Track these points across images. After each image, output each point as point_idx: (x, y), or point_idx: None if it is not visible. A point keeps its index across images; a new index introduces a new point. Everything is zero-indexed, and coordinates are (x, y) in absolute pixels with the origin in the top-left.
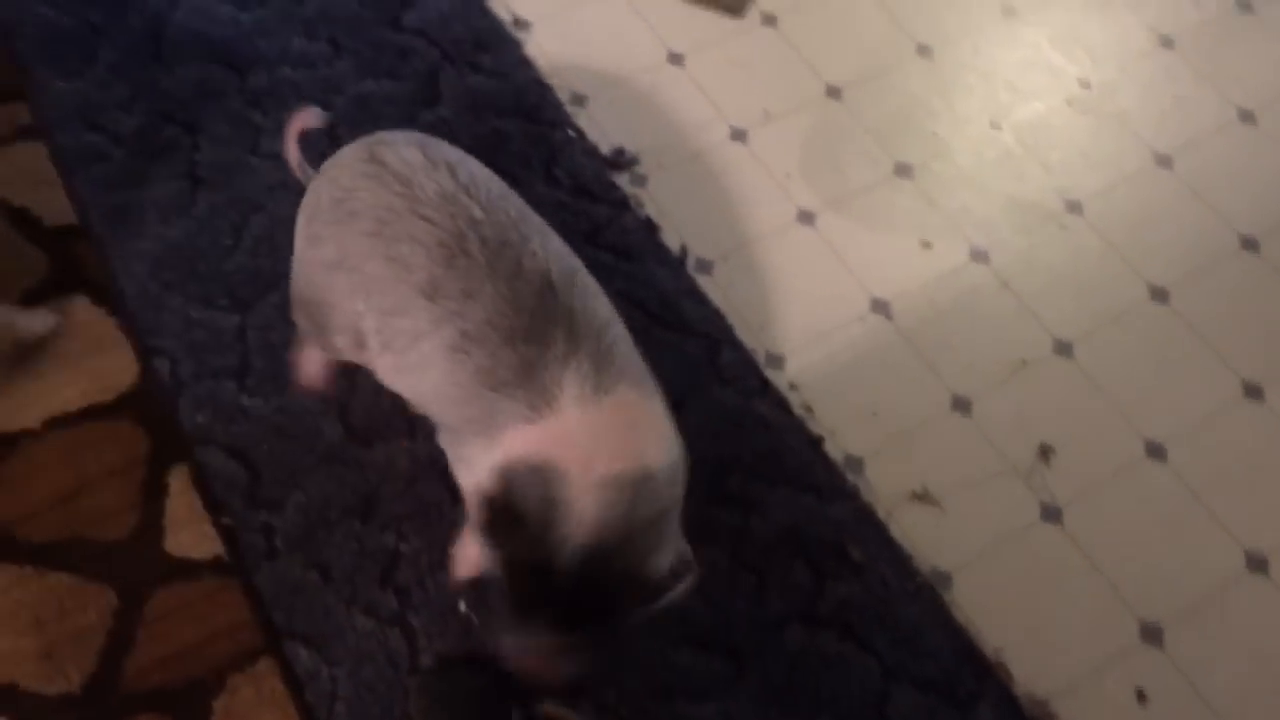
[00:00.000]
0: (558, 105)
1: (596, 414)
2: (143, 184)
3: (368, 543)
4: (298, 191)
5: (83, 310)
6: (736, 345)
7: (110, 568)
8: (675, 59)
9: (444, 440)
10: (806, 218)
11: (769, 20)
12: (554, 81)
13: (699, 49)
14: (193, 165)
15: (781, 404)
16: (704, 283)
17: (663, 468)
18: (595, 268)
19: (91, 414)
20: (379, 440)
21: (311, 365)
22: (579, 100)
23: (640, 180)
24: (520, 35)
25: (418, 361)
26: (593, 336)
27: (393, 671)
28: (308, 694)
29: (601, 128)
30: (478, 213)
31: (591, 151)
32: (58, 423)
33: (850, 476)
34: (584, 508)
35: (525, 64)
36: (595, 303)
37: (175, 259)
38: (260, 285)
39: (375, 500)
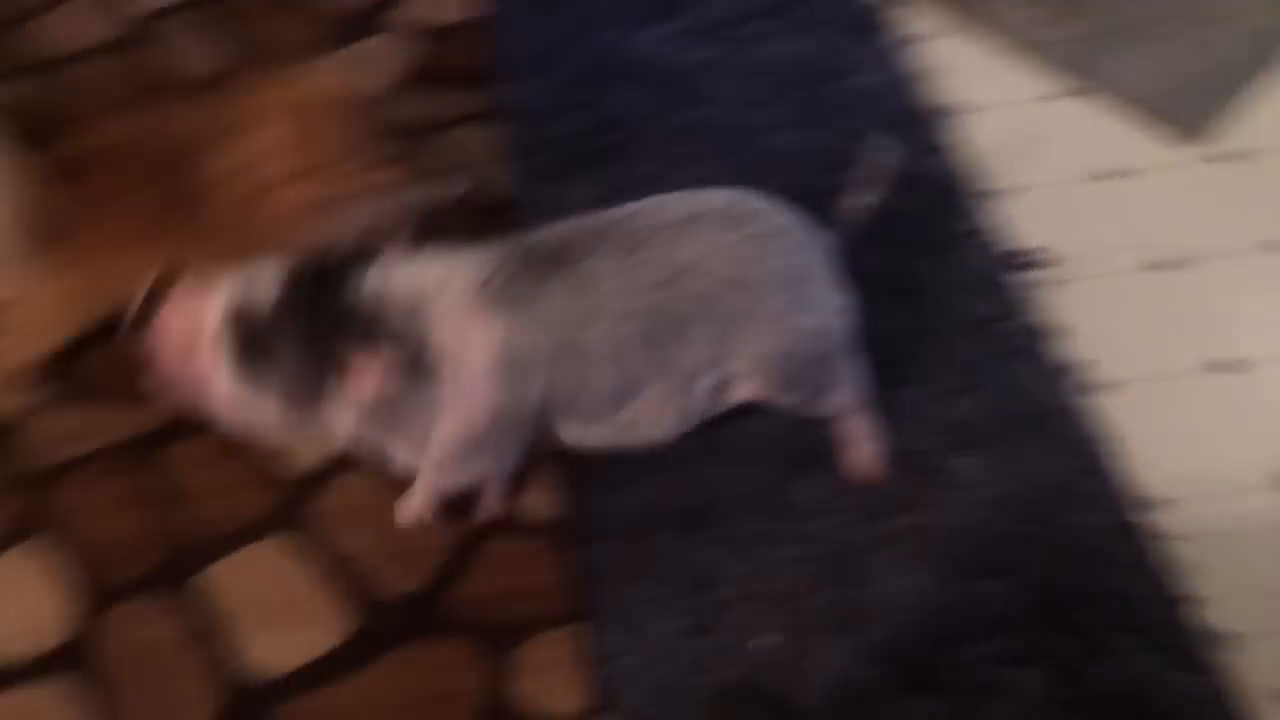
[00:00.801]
0: (979, 190)
1: None
2: (565, 184)
3: (695, 552)
4: None
5: None
6: (1109, 474)
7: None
8: (1110, 172)
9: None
10: (1236, 366)
11: (1243, 154)
12: (982, 166)
13: (1139, 168)
14: (613, 179)
15: (1148, 550)
16: (1089, 402)
17: None
18: (972, 363)
19: None
20: (734, 460)
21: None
22: (1002, 191)
23: (1046, 284)
24: (950, 120)
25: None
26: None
27: (684, 679)
28: (602, 673)
29: (1019, 223)
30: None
31: (996, 246)
32: None
33: (1210, 651)
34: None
35: (948, 148)
36: None
37: None
38: None
39: (709, 513)
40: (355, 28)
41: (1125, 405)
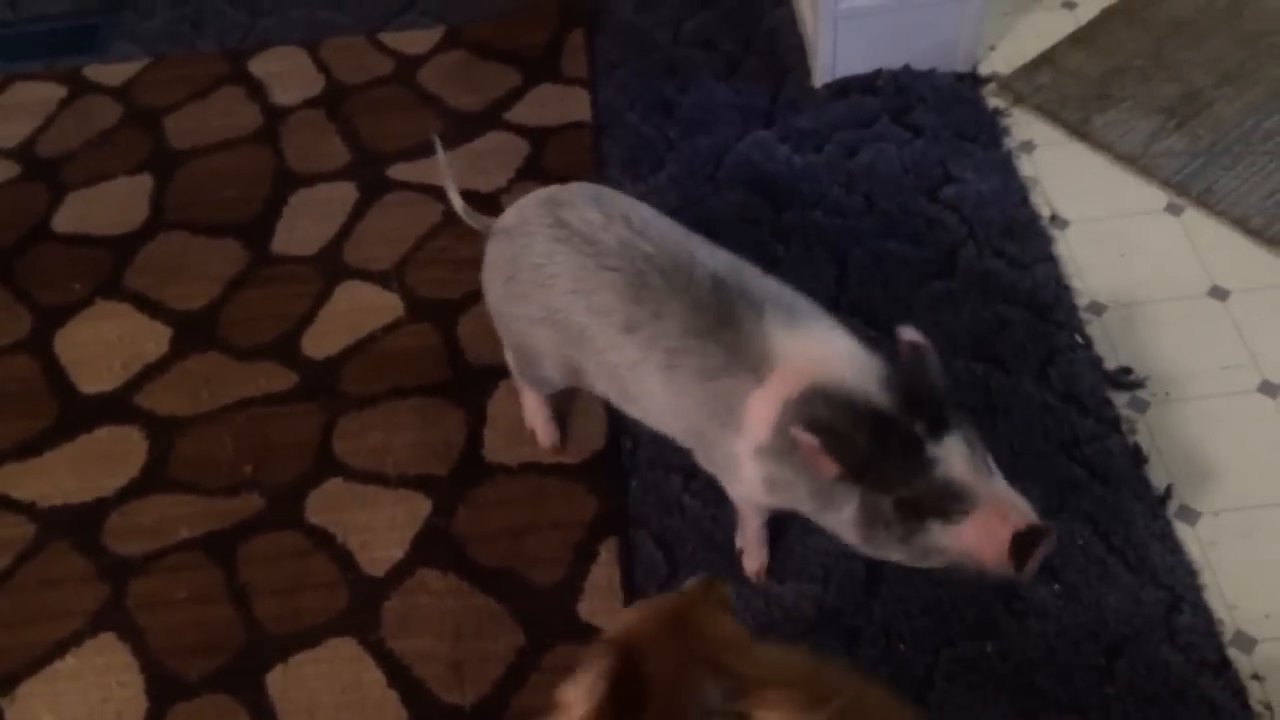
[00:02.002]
0: (1072, 308)
1: (811, 340)
2: None
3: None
4: None
5: None
6: (1201, 610)
7: (528, 608)
8: (1217, 292)
9: (702, 459)
10: None
11: None
12: (1075, 284)
13: (1248, 289)
14: None
15: (1237, 692)
16: (1183, 532)
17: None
18: (1062, 482)
19: (559, 470)
20: (790, 578)
21: (539, 422)
22: (1096, 309)
23: (1141, 405)
24: (1054, 232)
25: (638, 388)
26: (772, 297)
27: None
28: None
29: (1113, 342)
30: (649, 249)
31: (1095, 363)
32: (530, 468)
33: None
34: (864, 380)
35: (1050, 260)
36: (763, 281)
37: None
38: None
39: (768, 630)
40: (471, 126)
41: (1223, 535)
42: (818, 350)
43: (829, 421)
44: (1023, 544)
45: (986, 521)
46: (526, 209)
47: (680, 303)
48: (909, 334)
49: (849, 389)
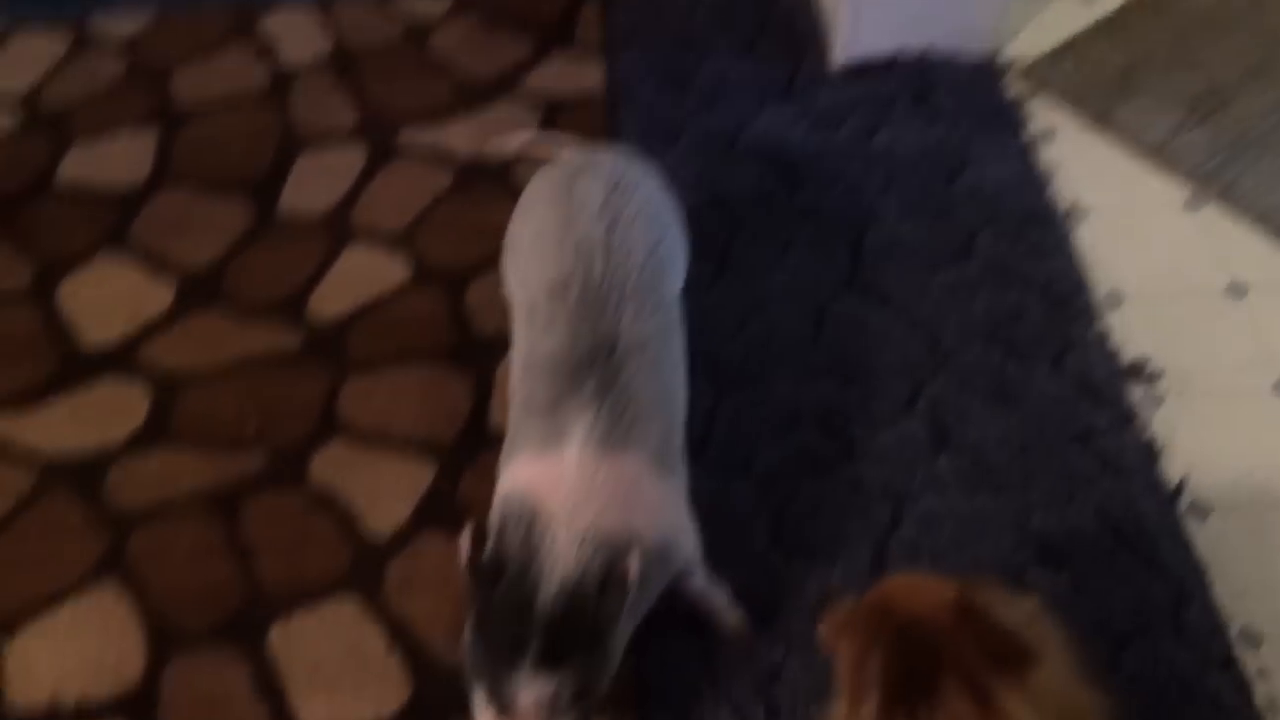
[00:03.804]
0: (1089, 299)
1: (595, 467)
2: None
3: (756, 648)
4: (805, 302)
5: None
6: (1209, 606)
7: None
8: (1236, 289)
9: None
10: None
11: None
12: (1093, 275)
13: (1268, 287)
14: (725, 254)
15: (1242, 688)
16: (1194, 527)
17: (650, 544)
18: (1074, 473)
19: None
20: (798, 557)
21: None
22: (1114, 300)
23: (1155, 400)
24: (1073, 222)
25: (514, 360)
26: (623, 400)
27: None
28: None
29: (1130, 333)
30: (597, 270)
31: (1111, 355)
32: None
33: None
34: (563, 556)
35: (1068, 250)
36: (650, 379)
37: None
38: (743, 377)
39: (775, 612)
40: (483, 94)
41: (1233, 532)
42: (582, 477)
43: (492, 556)
44: None
45: None
46: (569, 153)
47: (568, 332)
48: (633, 565)
49: (547, 549)
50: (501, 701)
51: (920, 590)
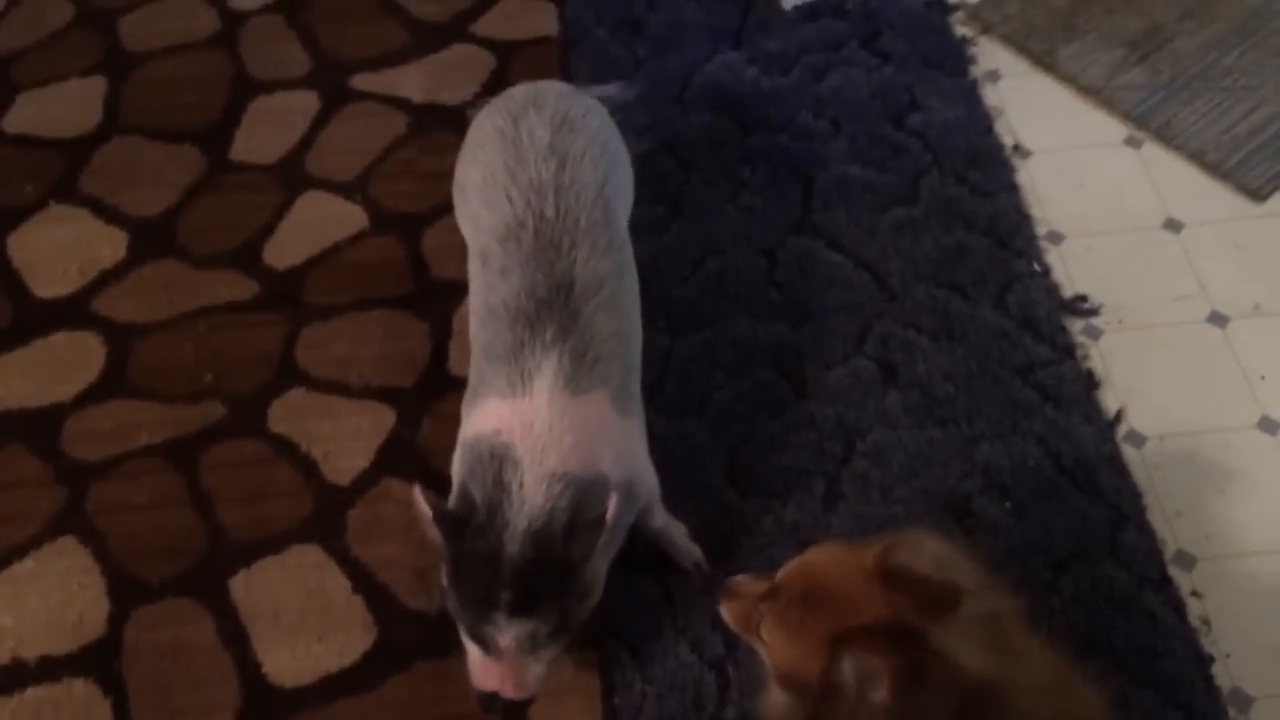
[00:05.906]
0: (1031, 236)
1: (562, 407)
2: (634, 201)
3: (713, 582)
4: (757, 244)
5: None
6: (1145, 529)
7: None
8: (1172, 225)
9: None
10: (1270, 426)
11: None
12: (1035, 213)
13: (1202, 222)
14: (678, 197)
15: (1177, 607)
16: (1130, 454)
17: (618, 482)
18: (1017, 404)
19: None
20: (753, 494)
21: None
22: (1055, 238)
23: (1094, 333)
24: (1016, 161)
25: (472, 304)
26: (584, 341)
27: (696, 713)
28: (617, 698)
29: (1070, 270)
30: (549, 211)
31: (1051, 290)
32: None
33: (1233, 712)
34: (531, 497)
35: (1012, 189)
36: (608, 318)
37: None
38: (697, 319)
39: (731, 548)
40: (436, 37)
41: (1168, 458)
42: (550, 418)
43: (458, 503)
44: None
45: (491, 665)
46: (517, 89)
47: (524, 276)
48: (611, 505)
49: (516, 490)
50: (482, 643)
51: (839, 565)
